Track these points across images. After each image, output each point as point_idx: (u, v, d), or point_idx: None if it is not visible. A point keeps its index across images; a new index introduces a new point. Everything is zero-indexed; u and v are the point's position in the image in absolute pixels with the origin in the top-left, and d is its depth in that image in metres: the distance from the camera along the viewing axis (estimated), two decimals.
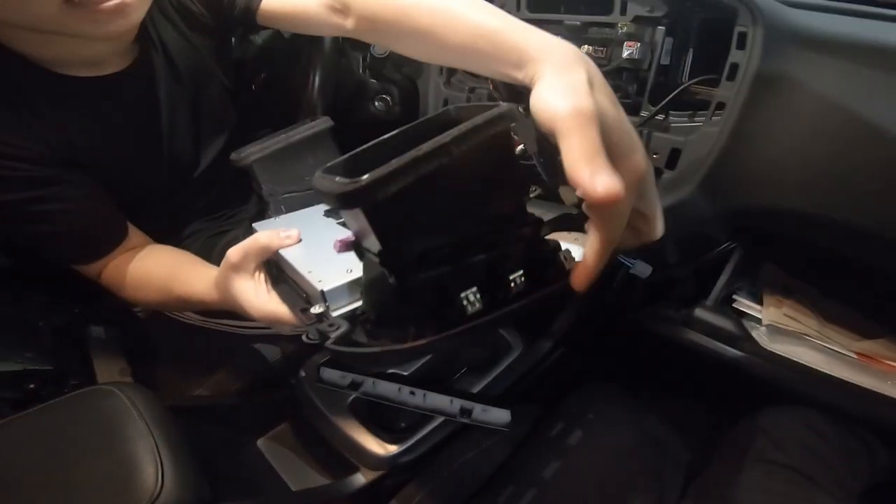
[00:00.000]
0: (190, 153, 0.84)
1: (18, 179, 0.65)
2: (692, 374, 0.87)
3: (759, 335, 0.82)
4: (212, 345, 0.91)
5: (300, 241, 0.60)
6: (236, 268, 0.58)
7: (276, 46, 0.90)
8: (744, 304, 0.85)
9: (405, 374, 0.86)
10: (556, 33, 0.76)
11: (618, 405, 0.83)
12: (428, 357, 0.88)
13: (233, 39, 0.90)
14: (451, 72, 0.92)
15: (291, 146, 0.79)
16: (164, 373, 0.95)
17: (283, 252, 0.59)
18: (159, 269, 0.75)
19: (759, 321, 0.83)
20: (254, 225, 0.69)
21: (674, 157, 0.69)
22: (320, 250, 0.58)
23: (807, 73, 0.62)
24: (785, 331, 0.81)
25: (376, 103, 0.94)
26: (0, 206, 0.65)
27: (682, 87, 0.69)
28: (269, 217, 0.79)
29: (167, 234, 0.85)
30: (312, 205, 0.75)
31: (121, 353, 1.00)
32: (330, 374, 0.83)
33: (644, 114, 0.73)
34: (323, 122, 0.81)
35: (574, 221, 0.49)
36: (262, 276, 0.60)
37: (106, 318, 1.04)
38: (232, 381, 0.90)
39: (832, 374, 0.76)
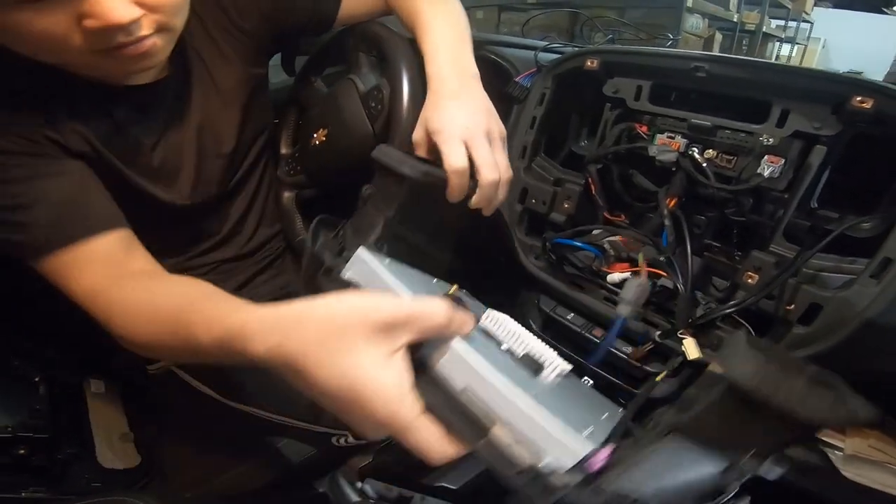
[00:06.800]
0: (222, 163, 0.78)
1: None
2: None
3: (836, 461, 0.75)
4: (235, 428, 0.81)
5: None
6: (367, 337, 0.33)
7: (345, 97, 0.75)
8: (828, 434, 0.77)
9: (454, 487, 0.77)
10: (675, 131, 0.68)
11: None
12: (480, 471, 0.79)
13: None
14: (534, 154, 0.79)
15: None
16: (173, 450, 0.84)
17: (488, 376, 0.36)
18: (174, 297, 0.54)
19: (839, 449, 0.75)
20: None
21: (811, 312, 0.58)
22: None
23: None
24: (865, 459, 0.74)
25: None
26: None
27: (845, 227, 0.57)
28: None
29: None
30: None
31: (122, 416, 0.90)
32: (375, 486, 0.75)
33: (775, 248, 0.62)
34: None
35: None
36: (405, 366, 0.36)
37: (107, 371, 0.93)
38: (256, 475, 0.79)
39: None
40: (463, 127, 0.61)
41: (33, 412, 0.80)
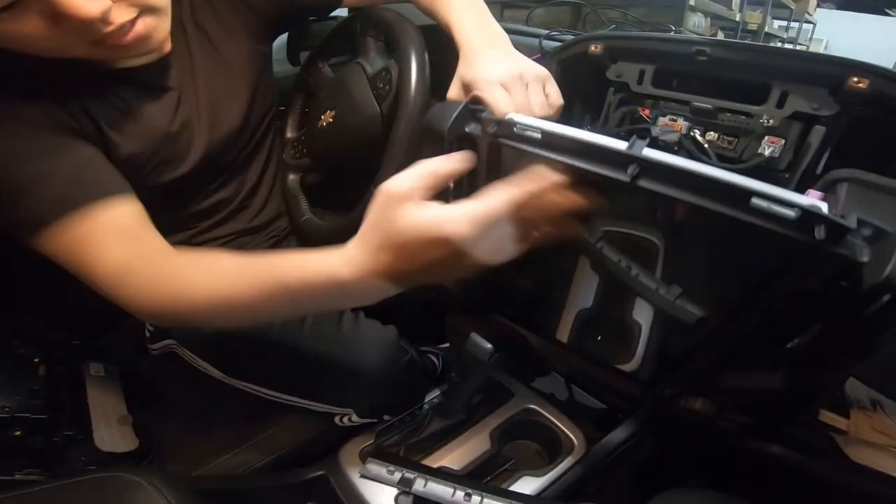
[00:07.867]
0: (231, 138, 0.78)
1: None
2: (770, 484, 0.80)
3: (843, 445, 0.76)
4: (235, 409, 0.82)
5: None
6: (401, 199, 0.46)
7: (353, 78, 0.77)
8: (830, 417, 0.79)
9: (457, 468, 0.78)
10: (677, 114, 0.68)
11: None
12: (484, 453, 0.80)
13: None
14: None
15: None
16: (172, 432, 0.85)
17: None
18: (230, 262, 0.55)
19: (843, 433, 0.77)
20: None
21: None
22: None
23: None
24: (870, 442, 0.75)
25: None
26: None
27: None
28: None
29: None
30: None
31: (121, 399, 0.90)
32: (376, 467, 0.75)
33: None
34: None
35: None
36: None
37: (107, 353, 0.93)
38: (256, 456, 0.80)
39: None
40: (498, 75, 0.64)
41: (32, 393, 0.78)
